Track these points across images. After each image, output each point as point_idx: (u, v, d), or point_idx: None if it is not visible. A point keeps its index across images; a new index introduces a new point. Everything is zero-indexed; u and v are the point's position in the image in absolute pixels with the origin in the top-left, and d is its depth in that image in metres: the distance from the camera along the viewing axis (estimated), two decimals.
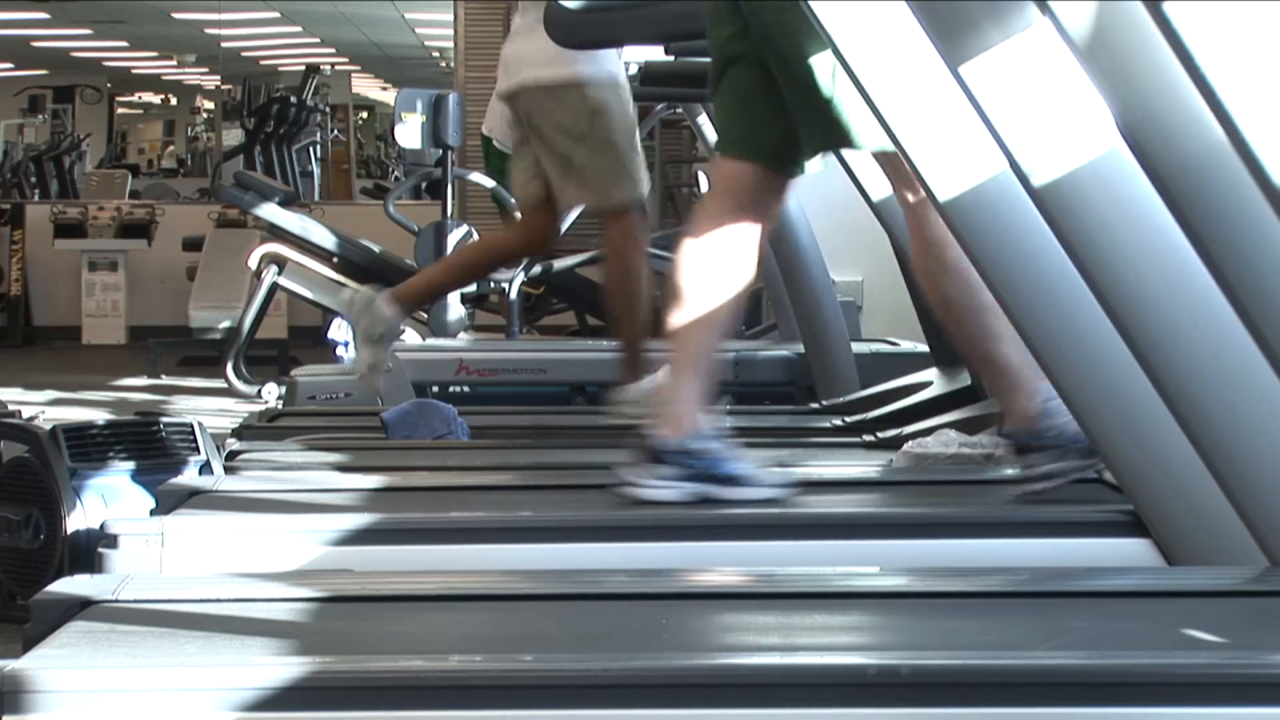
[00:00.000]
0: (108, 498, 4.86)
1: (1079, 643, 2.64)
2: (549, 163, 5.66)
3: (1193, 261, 2.82)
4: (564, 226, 9.58)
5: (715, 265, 3.87)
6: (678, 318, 3.87)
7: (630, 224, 5.61)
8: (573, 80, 5.59)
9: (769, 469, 3.92)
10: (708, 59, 5.88)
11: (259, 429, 5.42)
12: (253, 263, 10.50)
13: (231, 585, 2.96)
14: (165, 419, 5.17)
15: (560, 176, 5.65)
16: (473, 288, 9.41)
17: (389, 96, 23.10)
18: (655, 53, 6.16)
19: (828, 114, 3.89)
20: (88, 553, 4.34)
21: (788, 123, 3.94)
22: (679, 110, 8.86)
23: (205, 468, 4.94)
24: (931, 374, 5.66)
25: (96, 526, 4.53)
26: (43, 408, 8.34)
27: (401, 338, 7.39)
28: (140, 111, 25.02)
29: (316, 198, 17.22)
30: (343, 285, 10.23)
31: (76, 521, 4.82)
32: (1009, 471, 3.91)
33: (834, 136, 3.94)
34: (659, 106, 9.25)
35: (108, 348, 14.19)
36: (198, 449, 5.05)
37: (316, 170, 18.56)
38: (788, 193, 4.09)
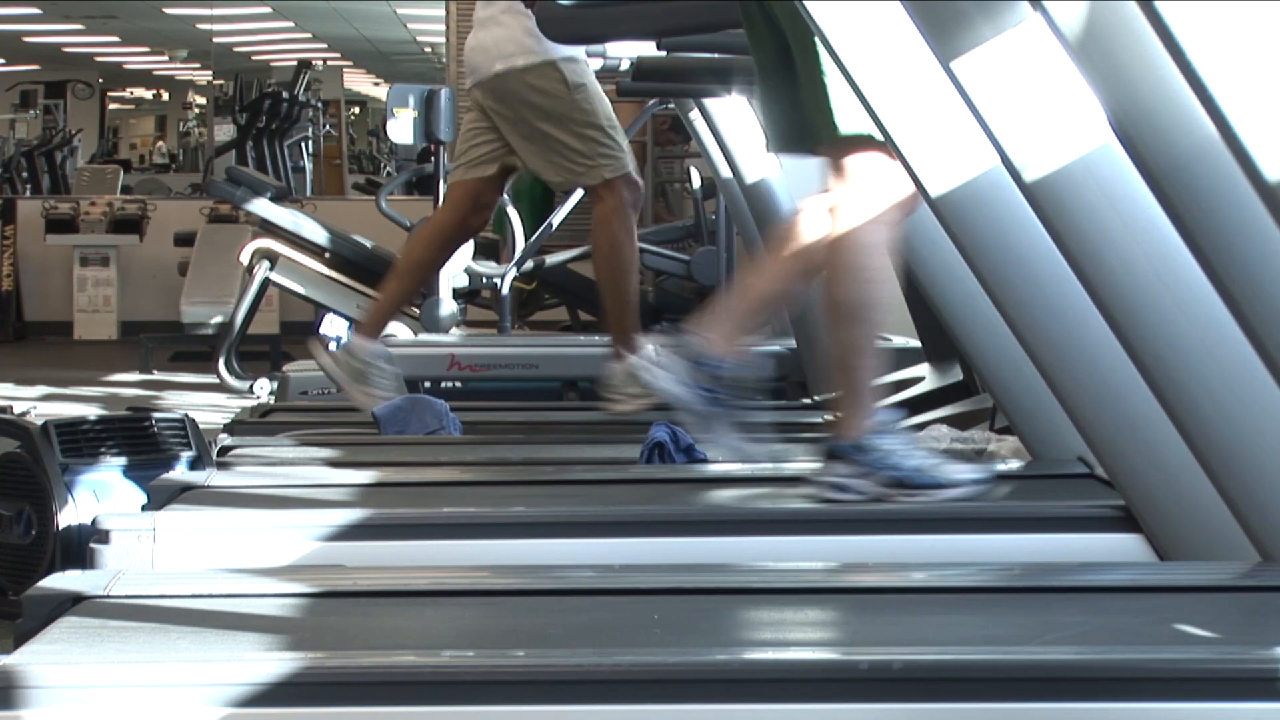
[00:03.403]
0: (99, 493, 4.86)
1: (1071, 638, 2.64)
2: (528, 148, 5.67)
3: (1185, 257, 2.82)
4: (558, 219, 9.63)
5: (872, 262, 3.79)
6: (839, 319, 3.78)
7: (617, 200, 5.64)
8: (548, 61, 5.62)
9: (953, 464, 3.82)
10: (699, 54, 5.92)
11: (251, 424, 5.42)
12: (244, 258, 10.50)
13: (223, 580, 2.96)
14: (157, 414, 5.17)
15: (543, 160, 5.67)
16: (464, 282, 9.42)
17: (381, 92, 23.13)
18: (647, 48, 6.16)
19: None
20: (79, 548, 4.35)
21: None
22: (670, 106, 8.86)
23: (197, 463, 4.94)
24: (923, 369, 5.67)
25: (88, 522, 4.53)
26: (34, 403, 8.34)
27: (393, 334, 7.39)
28: (132, 107, 25.04)
29: (308, 193, 17.22)
30: (334, 280, 10.24)
31: (68, 517, 4.82)
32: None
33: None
34: (651, 102, 9.26)
35: (99, 343, 14.18)
36: (189, 444, 5.05)
37: (308, 165, 18.56)
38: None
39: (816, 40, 3.73)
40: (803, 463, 4.51)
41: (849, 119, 3.74)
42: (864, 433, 3.74)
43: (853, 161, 3.76)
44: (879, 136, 3.61)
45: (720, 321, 3.97)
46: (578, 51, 5.70)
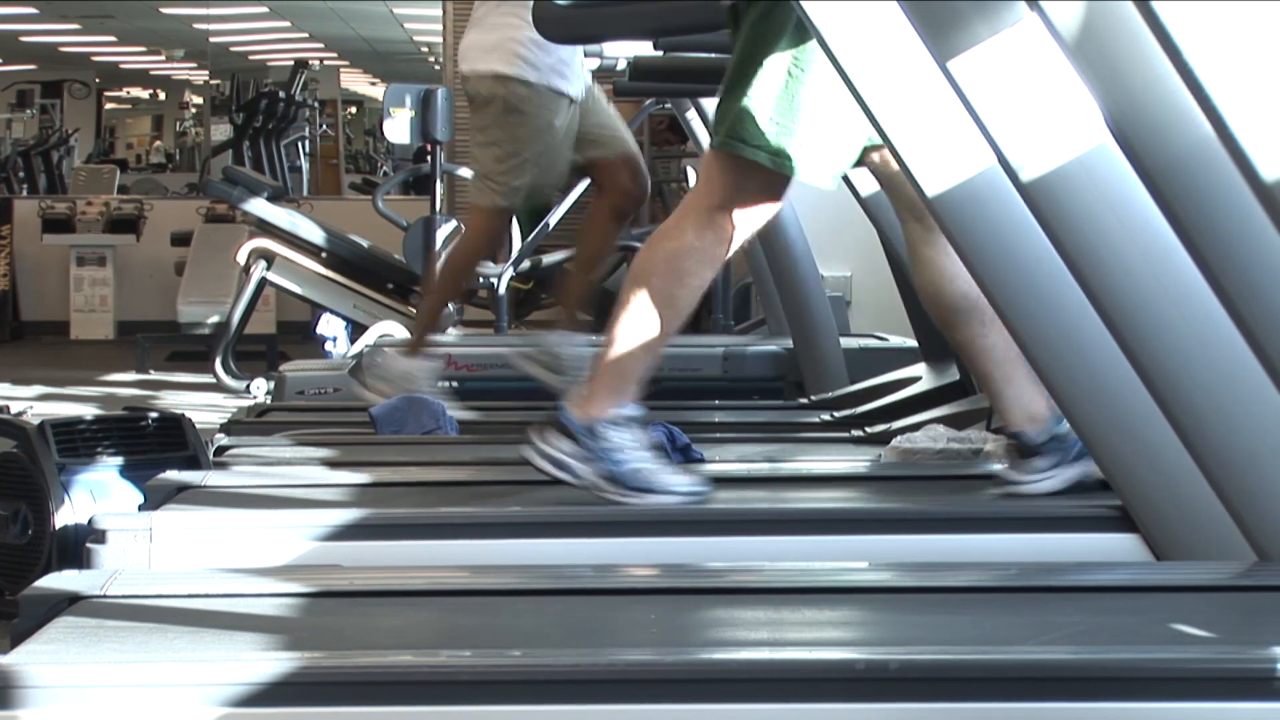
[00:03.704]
0: (96, 493, 4.86)
1: (1068, 637, 2.64)
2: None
3: (1181, 257, 2.82)
4: (554, 219, 9.62)
5: (688, 264, 3.81)
6: (631, 304, 3.79)
7: (480, 229, 5.83)
8: (497, 74, 5.67)
9: (675, 472, 3.82)
10: (696, 54, 5.92)
11: (247, 424, 5.42)
12: (241, 258, 10.50)
13: (220, 580, 2.96)
14: (153, 414, 5.18)
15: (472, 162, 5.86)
16: None
17: (378, 91, 23.11)
18: (644, 48, 6.17)
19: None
20: (76, 548, 4.35)
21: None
22: (667, 105, 8.86)
23: (193, 463, 4.94)
24: (920, 369, 5.67)
25: (85, 522, 4.53)
26: (31, 403, 8.33)
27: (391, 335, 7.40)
28: (128, 106, 25.01)
29: (305, 193, 17.22)
30: (331, 280, 10.23)
31: (65, 517, 4.82)
32: (1002, 468, 3.90)
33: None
34: (647, 102, 9.26)
35: (96, 343, 14.17)
36: (186, 444, 5.05)
37: (305, 165, 18.55)
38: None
39: (748, 48, 3.75)
40: (799, 462, 4.52)
41: (738, 133, 3.74)
42: (600, 417, 3.73)
43: (722, 173, 3.77)
44: (762, 160, 3.67)
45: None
46: (551, 81, 5.71)
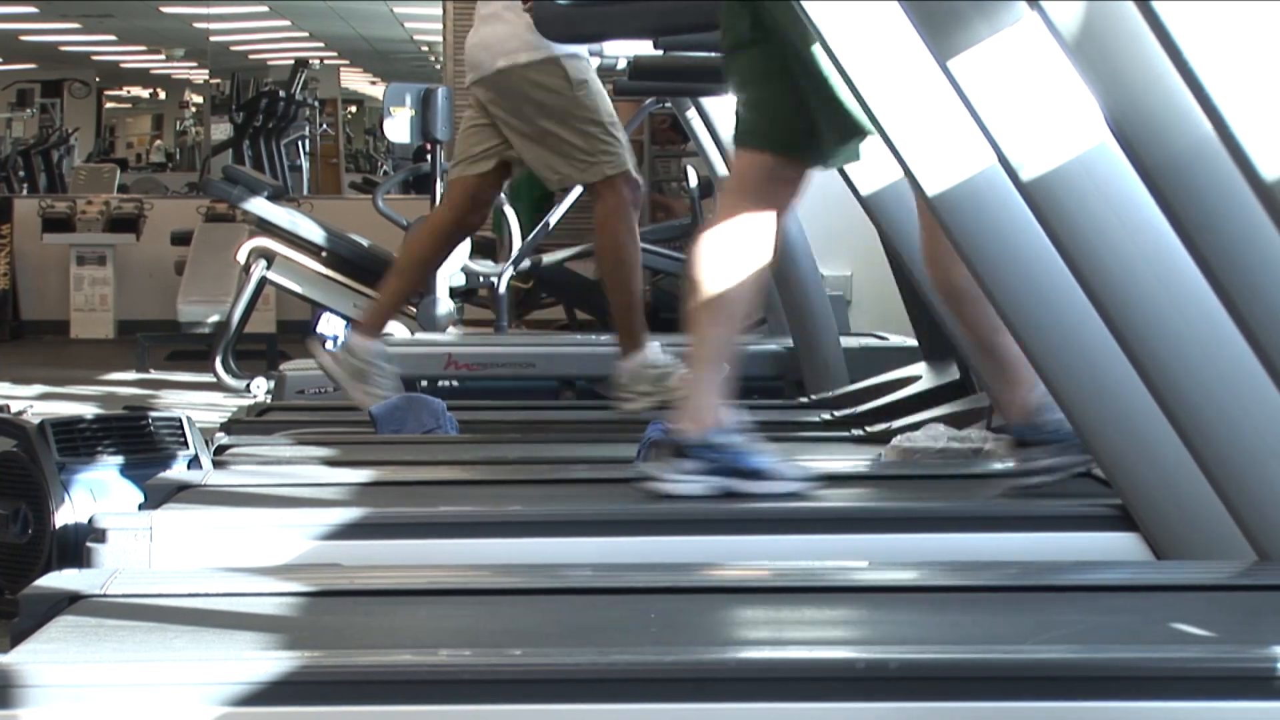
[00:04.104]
0: (96, 492, 4.86)
1: (1068, 637, 2.64)
2: (528, 145, 5.68)
3: (1181, 256, 2.82)
4: (555, 218, 9.62)
5: (732, 258, 3.86)
6: (696, 311, 3.86)
7: (618, 198, 5.64)
8: (551, 58, 5.63)
9: (790, 462, 3.90)
10: (696, 53, 5.92)
11: (247, 423, 5.42)
12: (241, 257, 10.49)
13: (220, 580, 2.96)
14: (154, 413, 5.17)
15: (544, 157, 5.67)
16: (461, 281, 9.41)
17: (378, 91, 23.10)
18: (644, 47, 6.17)
19: (842, 105, 3.87)
20: (76, 547, 4.35)
21: (807, 113, 3.93)
22: (667, 105, 8.85)
23: (194, 462, 4.94)
24: (920, 368, 5.66)
25: (85, 521, 4.53)
26: (31, 402, 8.32)
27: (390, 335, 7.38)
28: (129, 106, 25.00)
29: (305, 192, 17.21)
30: (331, 279, 10.23)
31: (65, 516, 4.82)
32: (1001, 465, 3.90)
33: (850, 127, 3.92)
34: (648, 101, 9.25)
35: (96, 342, 14.17)
36: (186, 443, 5.05)
37: (305, 164, 18.55)
38: (805, 184, 4.09)
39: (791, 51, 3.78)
40: (799, 461, 4.50)
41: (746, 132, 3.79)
42: (711, 427, 3.78)
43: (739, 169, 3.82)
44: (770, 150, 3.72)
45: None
46: (580, 49, 5.71)
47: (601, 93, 5.73)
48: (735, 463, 3.78)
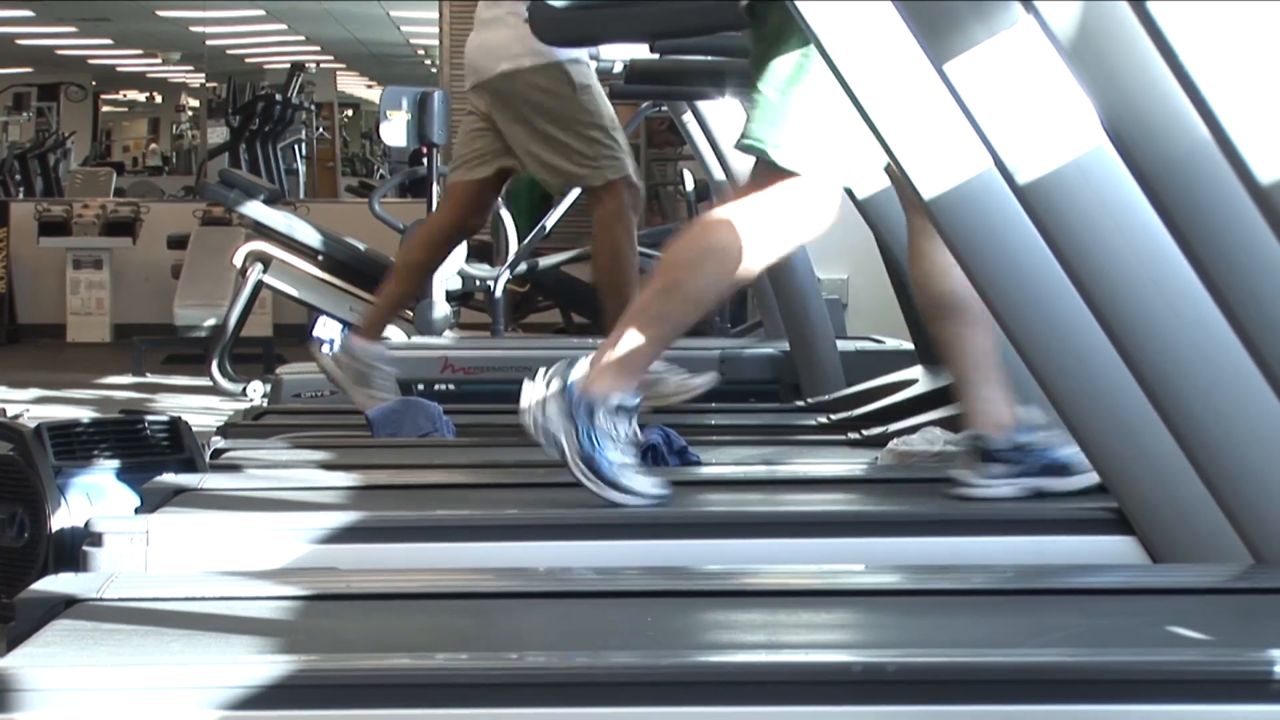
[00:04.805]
0: (92, 496, 4.85)
1: (1064, 640, 2.64)
2: (530, 149, 5.68)
3: (1177, 259, 2.82)
4: (551, 222, 9.62)
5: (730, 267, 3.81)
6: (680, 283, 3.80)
7: (618, 202, 5.64)
8: (554, 63, 5.63)
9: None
10: (693, 57, 5.92)
11: (244, 427, 5.42)
12: (238, 261, 10.49)
13: (216, 583, 2.96)
14: (150, 417, 5.16)
15: (545, 161, 5.67)
16: (458, 285, 9.41)
17: (374, 94, 23.08)
18: (641, 50, 6.17)
19: None
20: (72, 551, 4.33)
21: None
22: (664, 108, 8.86)
23: (190, 466, 4.93)
24: (916, 372, 5.66)
25: (81, 525, 4.53)
26: (27, 406, 8.33)
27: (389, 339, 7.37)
28: (125, 109, 24.98)
29: (301, 195, 17.21)
30: (328, 283, 10.22)
31: (61, 520, 4.81)
32: (956, 472, 3.88)
33: None
34: (644, 105, 9.26)
35: (92, 346, 14.17)
36: (182, 447, 5.04)
37: (301, 168, 18.55)
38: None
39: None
40: (795, 465, 4.51)
41: (771, 139, 3.75)
42: (601, 397, 3.71)
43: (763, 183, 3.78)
44: (795, 168, 3.67)
45: (976, 408, 3.87)
46: (581, 53, 5.72)
47: (602, 96, 5.74)
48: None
